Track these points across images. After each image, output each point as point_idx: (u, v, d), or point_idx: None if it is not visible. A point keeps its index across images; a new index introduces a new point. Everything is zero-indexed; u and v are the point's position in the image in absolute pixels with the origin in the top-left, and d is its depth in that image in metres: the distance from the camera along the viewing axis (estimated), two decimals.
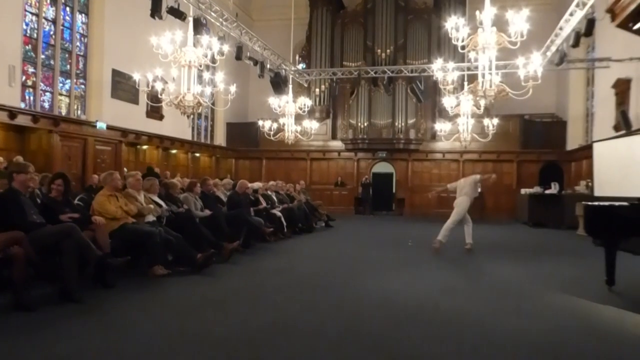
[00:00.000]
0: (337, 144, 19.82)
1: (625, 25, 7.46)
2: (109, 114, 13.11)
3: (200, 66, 8.53)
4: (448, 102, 12.48)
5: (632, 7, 6.89)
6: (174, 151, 16.40)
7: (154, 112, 14.49)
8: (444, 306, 4.74)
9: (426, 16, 19.32)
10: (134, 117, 14.09)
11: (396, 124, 18.73)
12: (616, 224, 5.47)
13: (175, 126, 15.73)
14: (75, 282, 4.56)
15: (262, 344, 3.56)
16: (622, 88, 12.83)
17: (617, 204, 5.58)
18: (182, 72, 8.28)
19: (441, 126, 15.69)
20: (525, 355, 3.43)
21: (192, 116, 10.07)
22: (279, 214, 10.15)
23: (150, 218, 6.28)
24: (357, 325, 4.05)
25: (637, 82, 11.92)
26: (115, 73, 13.35)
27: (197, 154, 18.01)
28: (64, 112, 12.42)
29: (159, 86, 8.40)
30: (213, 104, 12.28)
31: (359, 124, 19.02)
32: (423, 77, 15.53)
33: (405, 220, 16.74)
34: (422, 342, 3.68)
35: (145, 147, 14.80)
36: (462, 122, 13.52)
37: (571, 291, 5.42)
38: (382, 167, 20.10)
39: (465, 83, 12.74)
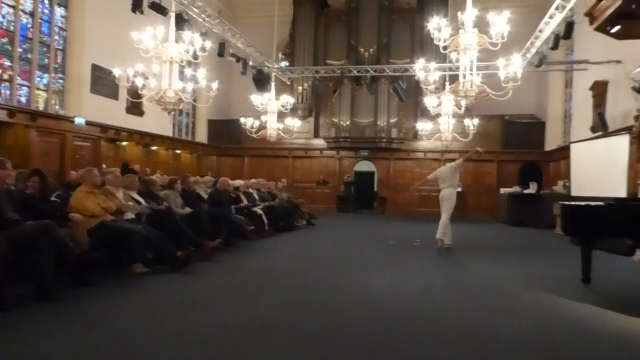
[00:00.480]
0: (320, 143, 19.82)
1: (604, 28, 7.61)
2: (88, 109, 12.90)
3: (182, 62, 8.45)
4: (430, 102, 12.58)
5: (611, 10, 7.03)
6: (154, 148, 16.21)
7: (135, 108, 14.30)
8: (425, 304, 4.79)
9: (410, 16, 19.41)
10: (114, 113, 13.89)
11: (379, 123, 18.81)
12: (592, 223, 5.57)
13: (156, 123, 15.55)
14: (54, 281, 4.49)
15: (245, 343, 3.55)
16: (599, 90, 13.07)
17: (593, 204, 5.69)
18: (164, 68, 8.19)
19: (423, 126, 15.78)
20: (505, 352, 3.49)
21: (173, 113, 9.99)
22: (261, 212, 10.11)
23: (130, 216, 6.21)
24: (340, 324, 4.06)
25: (614, 84, 12.16)
26: (95, 68, 13.14)
27: (179, 151, 17.84)
28: (41, 107, 12.19)
29: (139, 82, 8.29)
30: (195, 100, 12.15)
31: (342, 123, 19.05)
32: (406, 77, 15.64)
33: (388, 219, 16.83)
34: (405, 339, 3.70)
35: (125, 143, 14.60)
36: (443, 122, 13.64)
37: (549, 289, 5.51)
38: (365, 166, 20.17)
39: (447, 83, 12.87)
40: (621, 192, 9.54)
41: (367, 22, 19.19)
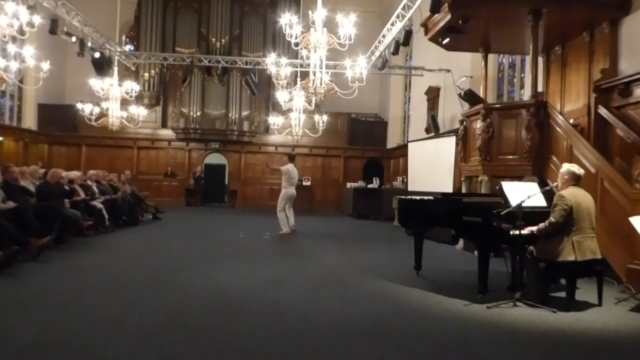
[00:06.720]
0: (168, 133, 18.98)
1: (436, 39, 8.44)
2: None
3: (5, 37, 7.43)
4: (281, 96, 12.76)
5: (442, 24, 7.81)
6: None
7: None
8: (271, 297, 4.83)
9: (262, 10, 19.43)
10: None
11: (230, 115, 18.60)
12: (423, 215, 6.13)
13: None
14: None
15: (77, 348, 3.22)
16: (432, 95, 14.47)
17: (426, 198, 6.25)
18: None
19: (274, 120, 15.96)
20: (345, 338, 3.66)
21: None
22: (100, 205, 9.40)
23: None
24: (184, 321, 3.90)
25: (444, 90, 13.53)
26: None
27: (0, 138, 15.69)
28: None
29: None
30: (21, 81, 10.76)
31: (192, 113, 18.46)
32: (258, 70, 15.65)
33: (238, 212, 16.74)
34: (250, 333, 3.68)
35: None
36: (294, 117, 13.93)
37: (386, 277, 5.93)
38: (215, 158, 19.81)
39: (298, 79, 13.17)
40: (448, 187, 10.67)
41: (219, 11, 18.78)
